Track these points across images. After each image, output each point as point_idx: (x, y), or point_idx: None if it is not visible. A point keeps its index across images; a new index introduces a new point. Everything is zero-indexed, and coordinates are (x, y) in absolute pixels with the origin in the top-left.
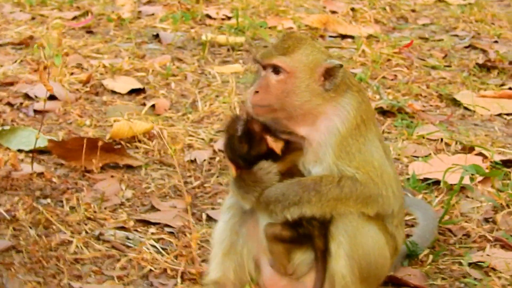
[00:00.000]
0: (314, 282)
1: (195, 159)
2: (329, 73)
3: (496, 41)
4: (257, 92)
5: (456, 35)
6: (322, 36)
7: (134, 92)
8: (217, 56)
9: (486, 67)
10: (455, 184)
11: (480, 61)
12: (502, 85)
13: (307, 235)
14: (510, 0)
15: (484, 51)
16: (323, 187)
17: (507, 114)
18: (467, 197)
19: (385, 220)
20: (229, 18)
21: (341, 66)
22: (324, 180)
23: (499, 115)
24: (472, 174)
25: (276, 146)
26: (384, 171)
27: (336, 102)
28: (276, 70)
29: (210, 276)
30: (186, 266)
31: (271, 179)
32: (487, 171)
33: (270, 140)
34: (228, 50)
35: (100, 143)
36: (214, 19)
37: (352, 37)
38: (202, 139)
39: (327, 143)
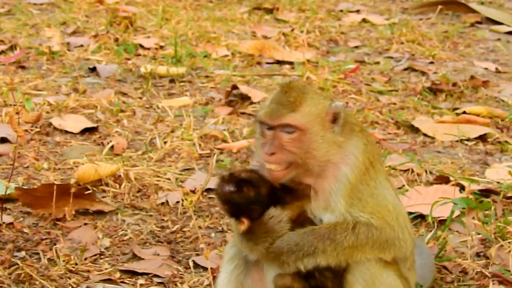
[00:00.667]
0: None
1: (167, 201)
2: (335, 117)
3: (431, 62)
4: (272, 154)
5: (391, 57)
6: (259, 63)
7: (87, 131)
8: (160, 89)
9: (433, 91)
10: (441, 218)
11: (426, 84)
12: (456, 109)
13: (319, 287)
14: (436, 19)
15: (424, 73)
16: (338, 236)
17: (468, 140)
18: (453, 231)
19: (399, 264)
20: (161, 47)
21: (344, 107)
22: (339, 228)
23: (460, 141)
24: (463, 208)
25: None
26: (399, 213)
27: (344, 148)
28: (288, 129)
29: None
30: None
31: (283, 228)
32: None
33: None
34: (171, 81)
35: (72, 190)
36: (148, 49)
37: (290, 62)
38: (168, 179)
39: (337, 192)
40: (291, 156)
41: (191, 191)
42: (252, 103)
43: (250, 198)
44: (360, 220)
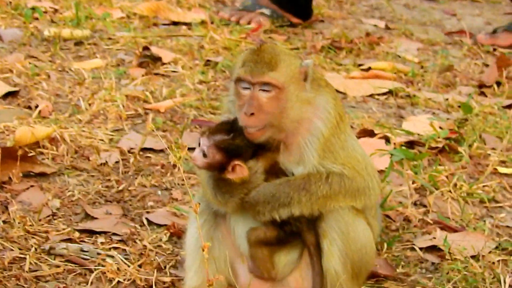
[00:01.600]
0: (312, 279)
1: (106, 162)
2: (306, 75)
3: (322, 20)
4: (252, 114)
5: None
6: (155, 25)
7: (9, 95)
8: (67, 52)
9: (332, 48)
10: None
11: (324, 42)
12: (360, 65)
13: (294, 232)
14: None
15: (318, 32)
16: (313, 186)
17: (378, 94)
18: (388, 182)
19: (366, 212)
20: (56, 10)
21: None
22: (313, 179)
23: (371, 95)
24: (402, 159)
25: (242, 172)
26: (368, 163)
27: (315, 103)
28: (266, 87)
29: (189, 285)
30: (157, 275)
31: (258, 179)
32: None
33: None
34: (76, 44)
35: (20, 152)
36: (45, 12)
37: (186, 23)
38: (102, 140)
39: (311, 146)
40: (268, 116)
41: (128, 151)
42: (163, 64)
43: (243, 141)
44: (333, 171)
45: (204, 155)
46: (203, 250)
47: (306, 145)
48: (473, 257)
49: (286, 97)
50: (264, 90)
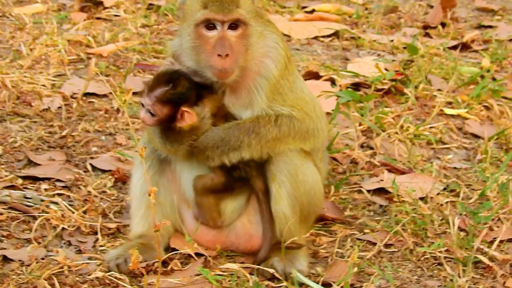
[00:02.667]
0: (262, 226)
1: (49, 107)
2: (257, 9)
3: None
4: (227, 55)
5: None
6: None
7: None
8: None
9: None
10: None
11: None
12: (305, 7)
13: (242, 178)
14: None
15: None
16: (262, 129)
17: (323, 37)
18: (334, 124)
19: (313, 155)
20: None
21: None
22: (262, 121)
23: (316, 38)
24: (348, 101)
25: (190, 118)
26: (316, 104)
27: (266, 42)
28: (234, 24)
29: (135, 231)
30: (102, 221)
31: (206, 124)
32: None
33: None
34: None
35: None
36: None
37: None
38: (44, 85)
39: (261, 89)
40: (239, 56)
41: (71, 96)
42: (105, 8)
43: (185, 87)
44: (282, 113)
45: (152, 114)
46: (150, 195)
47: (255, 88)
48: (421, 199)
49: (250, 33)
50: (232, 29)
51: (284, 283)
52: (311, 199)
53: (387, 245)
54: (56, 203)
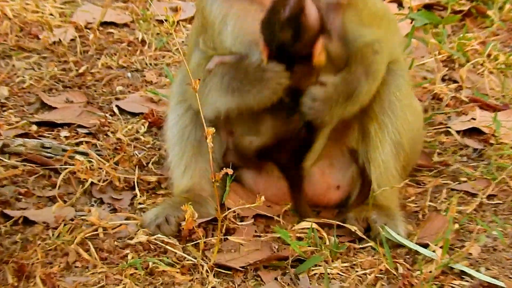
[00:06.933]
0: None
1: (59, 40)
2: None
3: None
4: None
5: None
6: None
7: None
8: None
9: None
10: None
11: None
12: None
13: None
14: None
15: None
16: (373, 65)
17: None
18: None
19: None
20: None
21: None
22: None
23: None
24: (425, 24)
25: (321, 55)
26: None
27: None
28: None
29: (177, 186)
30: (139, 174)
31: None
32: None
33: (320, 44)
34: None
35: None
36: None
37: None
38: (51, 14)
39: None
40: None
41: (85, 27)
42: None
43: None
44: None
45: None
46: (206, 139)
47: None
48: None
49: None
50: None
51: (371, 243)
52: (415, 145)
53: (489, 196)
54: (82, 153)
